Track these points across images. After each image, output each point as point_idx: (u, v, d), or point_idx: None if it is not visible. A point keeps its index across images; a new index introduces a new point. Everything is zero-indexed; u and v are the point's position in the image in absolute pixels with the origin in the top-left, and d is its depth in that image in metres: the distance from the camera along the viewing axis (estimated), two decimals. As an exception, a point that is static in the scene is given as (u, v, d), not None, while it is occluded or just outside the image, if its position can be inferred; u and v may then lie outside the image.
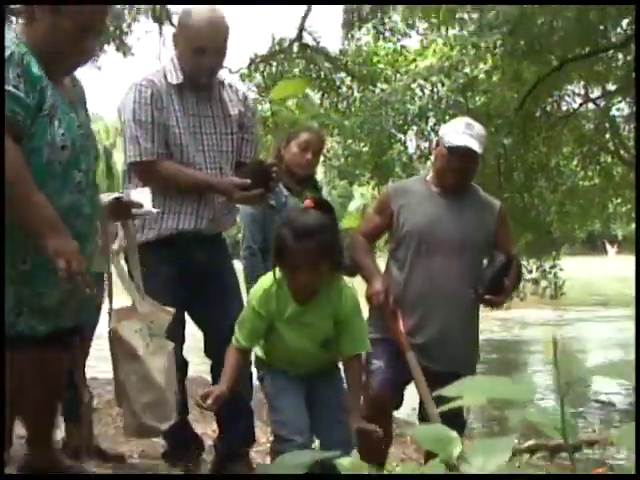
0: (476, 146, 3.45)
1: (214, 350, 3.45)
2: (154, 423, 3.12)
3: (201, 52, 3.33)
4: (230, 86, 3.63)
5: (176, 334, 3.39)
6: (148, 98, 3.35)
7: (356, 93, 14.48)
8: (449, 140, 3.49)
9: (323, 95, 14.81)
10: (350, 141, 11.73)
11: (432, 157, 3.85)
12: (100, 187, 3.79)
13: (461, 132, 3.49)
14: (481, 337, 3.78)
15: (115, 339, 3.10)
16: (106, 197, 3.12)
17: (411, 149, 11.92)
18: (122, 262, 3.36)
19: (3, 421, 2.83)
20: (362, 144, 11.49)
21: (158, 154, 3.37)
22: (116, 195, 3.16)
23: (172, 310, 3.29)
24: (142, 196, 3.32)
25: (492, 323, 14.20)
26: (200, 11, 3.37)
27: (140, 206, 3.18)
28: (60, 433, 3.77)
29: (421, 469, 0.83)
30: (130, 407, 3.09)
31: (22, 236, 2.59)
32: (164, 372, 3.12)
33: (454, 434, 0.90)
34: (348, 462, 0.87)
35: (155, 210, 3.31)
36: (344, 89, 14.81)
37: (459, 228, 3.53)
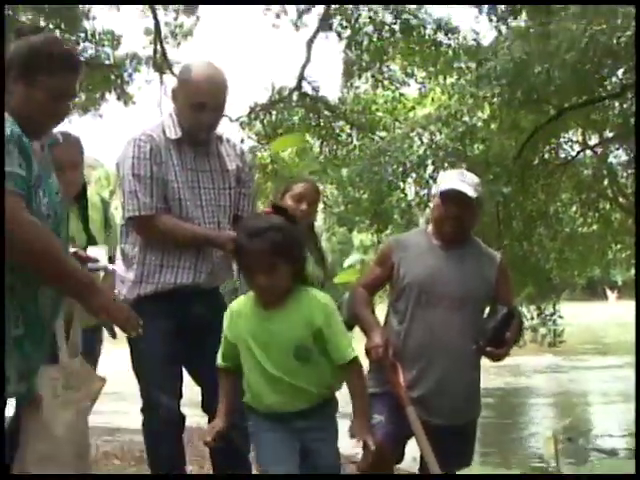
0: (468, 190, 3.45)
1: (211, 406, 3.42)
2: (41, 473, 3.05)
3: (200, 108, 3.36)
4: (228, 141, 3.65)
5: (173, 388, 3.44)
6: (147, 153, 3.36)
7: (355, 141, 14.59)
8: (442, 187, 3.52)
9: (322, 143, 14.91)
10: (349, 189, 11.77)
11: (430, 209, 3.86)
12: (98, 238, 3.81)
13: (454, 179, 3.52)
14: (487, 385, 3.75)
15: None
16: None
17: (410, 196, 11.95)
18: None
19: (3, 421, 2.79)
20: (361, 191, 11.53)
21: (157, 208, 3.37)
22: (72, 250, 3.16)
23: (104, 378, 3.32)
24: (98, 251, 3.40)
25: (489, 371, 14.11)
26: (200, 67, 3.39)
27: (96, 261, 3.24)
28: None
29: None
30: (22, 451, 2.99)
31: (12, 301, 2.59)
32: (67, 427, 3.04)
33: None
34: None
35: (110, 267, 3.43)
36: (343, 137, 14.91)
37: (459, 280, 3.52)
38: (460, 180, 3.50)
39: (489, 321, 3.49)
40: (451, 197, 3.46)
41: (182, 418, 3.52)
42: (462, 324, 3.48)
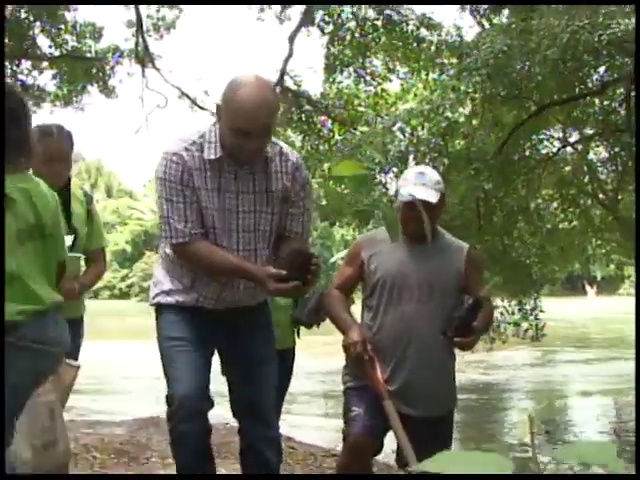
0: (430, 196, 3.48)
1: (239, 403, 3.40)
2: None
3: (247, 135, 3.04)
4: (281, 154, 3.29)
5: (198, 380, 3.25)
6: (178, 178, 3.12)
7: (337, 136, 14.61)
8: (402, 194, 3.54)
9: (304, 138, 14.92)
10: (331, 183, 11.79)
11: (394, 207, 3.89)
12: (81, 230, 3.82)
13: (412, 183, 3.53)
14: (460, 379, 3.79)
15: None
16: None
17: (391, 191, 12.00)
18: None
19: (3, 421, 2.79)
20: (343, 186, 11.55)
21: (191, 235, 3.15)
22: None
23: (77, 365, 3.33)
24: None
25: (472, 365, 14.20)
26: (247, 87, 3.02)
27: None
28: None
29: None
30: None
31: None
32: (24, 419, 3.04)
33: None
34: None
35: (69, 255, 3.44)
36: (325, 131, 14.93)
37: (429, 273, 3.57)
38: (421, 184, 3.51)
39: (456, 311, 3.53)
40: (412, 205, 3.49)
41: (208, 408, 3.32)
42: (434, 316, 3.53)
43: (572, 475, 0.98)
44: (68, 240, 3.52)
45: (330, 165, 12.12)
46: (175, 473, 3.45)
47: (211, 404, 3.28)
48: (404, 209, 3.55)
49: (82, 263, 3.95)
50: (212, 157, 3.12)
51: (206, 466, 3.37)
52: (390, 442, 3.69)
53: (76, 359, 3.65)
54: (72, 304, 3.75)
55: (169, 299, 3.31)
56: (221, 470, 5.10)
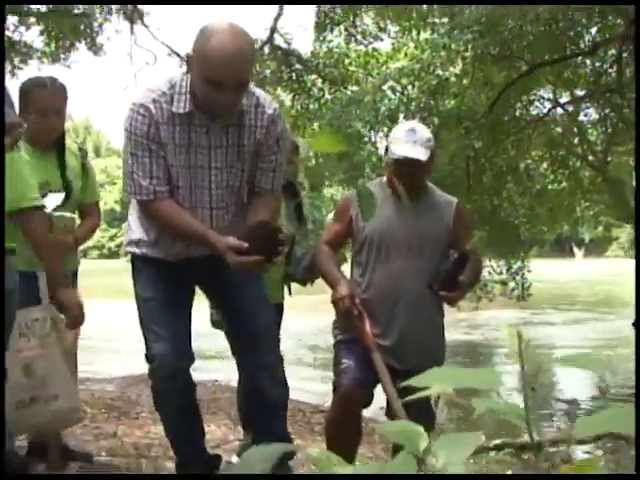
0: (420, 154, 3.47)
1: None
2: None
3: (219, 86, 2.85)
4: (258, 106, 3.08)
5: (178, 336, 3.19)
6: (144, 131, 2.96)
7: (327, 95, 14.53)
8: (392, 151, 3.53)
9: (294, 97, 14.84)
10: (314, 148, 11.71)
11: (384, 162, 3.88)
12: (75, 185, 3.81)
13: (404, 141, 3.50)
14: (448, 338, 3.82)
15: None
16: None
17: (381, 150, 11.99)
18: None
19: (3, 421, 2.80)
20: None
21: (155, 193, 3.02)
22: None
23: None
24: (51, 199, 3.40)
25: (459, 324, 14.31)
26: (220, 35, 2.83)
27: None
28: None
29: (388, 464, 0.85)
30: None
31: None
32: (23, 374, 3.11)
33: (420, 428, 0.93)
34: (317, 452, 0.89)
35: (57, 214, 3.46)
36: (315, 91, 14.85)
37: (417, 229, 3.57)
38: (412, 142, 3.49)
39: (442, 265, 3.55)
40: (403, 163, 3.49)
41: (189, 364, 3.25)
42: (423, 272, 3.54)
43: (572, 475, 1.00)
44: (59, 198, 3.51)
45: (319, 124, 12.06)
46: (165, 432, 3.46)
47: (191, 359, 3.21)
48: (394, 166, 3.55)
49: (76, 218, 3.93)
50: (181, 111, 2.95)
51: (191, 422, 3.34)
52: (378, 399, 3.73)
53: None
54: (68, 258, 3.76)
55: (137, 251, 3.26)
56: (210, 426, 5.15)
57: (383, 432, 0.93)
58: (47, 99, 3.64)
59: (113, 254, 59.25)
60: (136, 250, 3.26)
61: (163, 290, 3.17)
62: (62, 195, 3.56)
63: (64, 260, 3.72)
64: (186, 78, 2.97)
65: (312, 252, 4.30)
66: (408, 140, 3.50)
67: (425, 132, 3.59)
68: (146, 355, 3.20)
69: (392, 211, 3.59)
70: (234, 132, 3.05)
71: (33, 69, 15.60)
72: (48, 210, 3.33)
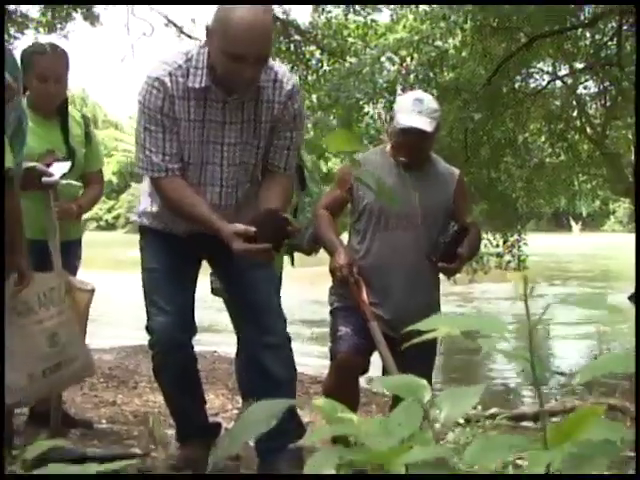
0: (426, 124, 3.46)
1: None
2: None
3: (239, 60, 2.77)
4: (275, 81, 2.99)
5: (179, 306, 3.15)
6: (158, 106, 2.90)
7: (326, 66, 14.45)
8: (399, 120, 3.51)
9: (293, 68, 14.76)
10: (319, 113, 11.72)
11: (389, 130, 3.87)
12: (78, 153, 3.81)
13: (410, 110, 3.49)
14: (443, 310, 3.84)
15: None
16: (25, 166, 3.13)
17: (379, 122, 11.95)
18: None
19: (3, 422, 2.81)
20: (331, 116, 11.48)
21: (167, 170, 2.96)
22: (31, 164, 3.14)
23: (91, 287, 3.36)
24: (58, 168, 3.39)
25: (453, 297, 14.34)
26: (244, 8, 2.78)
27: (50, 175, 3.24)
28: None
29: (393, 413, 0.86)
30: (11, 360, 2.93)
31: None
32: (19, 348, 3.07)
33: (423, 381, 0.94)
34: (322, 401, 0.90)
35: (64, 182, 3.41)
36: (314, 62, 14.77)
37: (418, 200, 3.57)
38: (418, 112, 3.48)
39: (441, 237, 3.55)
40: (408, 133, 3.48)
41: (190, 337, 3.22)
42: (421, 243, 3.55)
43: (572, 475, 1.01)
44: (65, 166, 3.50)
45: (318, 95, 11.99)
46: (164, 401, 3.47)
47: (193, 332, 3.18)
48: (399, 135, 3.54)
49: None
50: (197, 85, 2.89)
51: (191, 392, 3.32)
52: (374, 370, 3.75)
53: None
54: (71, 226, 3.77)
55: (146, 222, 3.23)
56: (209, 396, 5.18)
57: (386, 387, 0.94)
58: (48, 65, 3.63)
59: (110, 226, 59.23)
60: (145, 221, 3.23)
61: (169, 262, 3.15)
62: (68, 164, 3.55)
63: (70, 228, 3.74)
64: (203, 51, 2.90)
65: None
66: (414, 110, 3.49)
67: (432, 102, 3.58)
68: (147, 327, 3.18)
69: (394, 180, 3.58)
70: (250, 107, 2.97)
71: (29, 39, 15.48)
72: (55, 178, 3.33)
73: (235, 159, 3.01)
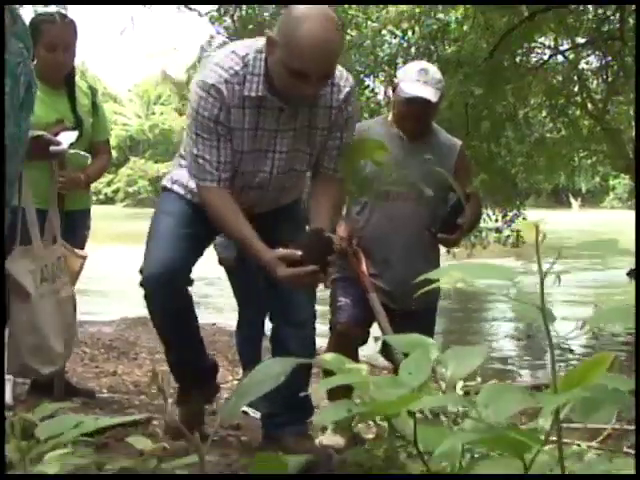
0: (431, 94, 3.45)
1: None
2: (36, 366, 3.17)
3: (302, 77, 2.63)
4: (333, 85, 2.84)
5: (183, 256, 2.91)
6: (214, 114, 2.74)
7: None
8: (404, 89, 3.49)
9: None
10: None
11: (391, 99, 3.85)
12: (85, 123, 3.81)
13: (415, 80, 3.47)
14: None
15: (7, 276, 3.02)
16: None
17: (380, 96, 11.90)
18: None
19: (3, 422, 2.83)
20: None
21: (219, 181, 2.80)
22: (38, 133, 3.13)
23: (84, 255, 3.39)
24: (66, 137, 3.38)
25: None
26: (312, 23, 2.57)
27: (58, 144, 3.23)
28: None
29: (403, 367, 0.86)
30: (16, 345, 3.10)
31: None
32: (50, 318, 3.15)
33: (429, 339, 0.95)
34: (330, 356, 0.90)
35: (72, 151, 3.41)
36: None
37: (419, 171, 3.55)
38: (423, 82, 3.46)
39: (441, 208, 3.55)
40: (412, 102, 3.47)
41: (185, 285, 2.95)
42: (422, 215, 3.55)
43: (572, 475, 1.01)
44: (73, 136, 3.49)
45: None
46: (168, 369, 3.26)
47: (188, 281, 2.92)
48: (403, 105, 3.52)
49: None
50: (253, 94, 2.73)
51: (189, 333, 3.04)
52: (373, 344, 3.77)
53: (82, 249, 3.69)
54: (80, 196, 3.78)
55: (177, 189, 3.03)
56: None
57: (393, 344, 0.95)
58: (57, 34, 3.62)
59: (109, 200, 59.06)
60: (178, 189, 3.03)
61: (187, 220, 2.95)
62: (76, 133, 3.54)
63: (78, 198, 3.76)
64: (260, 57, 2.74)
65: None
66: (420, 79, 3.47)
67: (437, 73, 3.56)
68: (141, 268, 2.90)
69: (395, 151, 3.55)
70: (305, 114, 2.84)
71: (27, 10, 15.37)
72: (63, 147, 3.32)
73: (285, 167, 2.90)
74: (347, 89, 2.86)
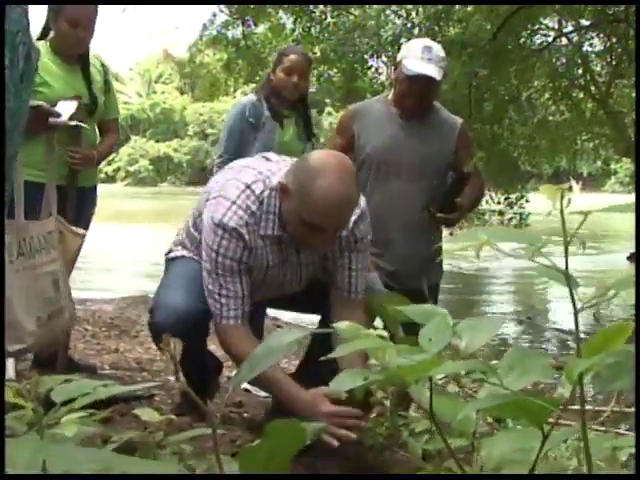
0: (435, 72, 3.39)
1: None
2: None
3: (316, 229, 2.54)
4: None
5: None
6: (238, 256, 2.63)
7: (329, 19, 14.30)
8: (407, 66, 3.43)
9: (296, 20, 14.60)
10: (323, 67, 11.61)
11: (392, 76, 3.80)
12: (99, 100, 3.79)
13: (419, 57, 3.42)
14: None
15: None
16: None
17: (383, 77, 11.85)
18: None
19: (3, 423, 2.81)
20: (335, 70, 11.39)
21: (240, 318, 2.65)
22: (36, 103, 3.06)
23: (83, 233, 3.32)
24: (65, 107, 3.32)
25: (453, 254, 14.37)
26: (329, 178, 2.47)
27: (58, 115, 3.19)
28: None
29: (424, 332, 0.85)
30: None
31: None
32: (23, 294, 2.99)
33: (444, 310, 0.94)
34: (345, 324, 0.90)
35: (72, 123, 3.34)
36: (317, 14, 14.61)
37: (419, 151, 3.51)
38: (427, 59, 3.41)
39: (440, 187, 3.51)
40: (416, 80, 3.44)
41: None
42: (421, 194, 3.50)
43: (572, 475, 1.00)
44: (72, 106, 3.44)
45: (321, 47, 11.88)
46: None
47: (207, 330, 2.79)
48: (405, 82, 3.47)
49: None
50: (269, 232, 2.64)
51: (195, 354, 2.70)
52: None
53: (87, 227, 3.66)
54: (87, 173, 3.77)
55: (182, 252, 2.93)
56: (211, 346, 5.22)
57: (406, 313, 0.94)
58: (80, 10, 3.60)
59: (110, 179, 59.05)
60: (186, 254, 2.90)
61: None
62: (75, 104, 3.50)
63: (87, 175, 3.74)
64: (274, 194, 2.62)
65: None
66: (424, 57, 3.42)
67: (440, 50, 3.50)
68: (154, 305, 2.77)
69: (396, 131, 3.53)
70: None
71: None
72: (63, 119, 3.27)
73: (304, 285, 2.85)
74: (354, 216, 2.73)
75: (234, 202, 2.62)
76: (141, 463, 0.82)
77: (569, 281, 0.78)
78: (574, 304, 0.80)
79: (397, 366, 0.75)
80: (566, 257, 0.80)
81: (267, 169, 2.68)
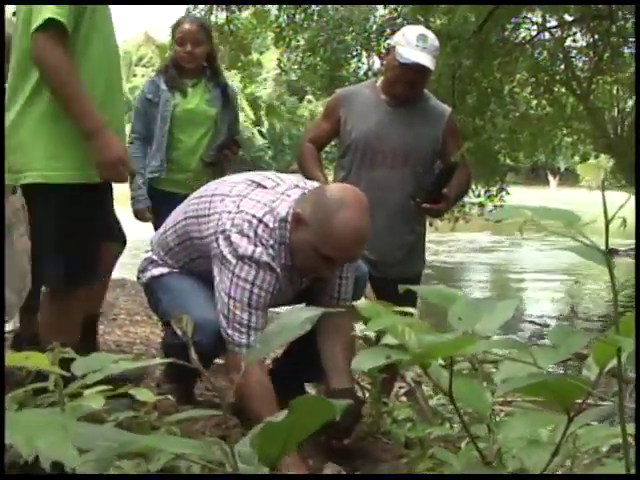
0: (429, 61, 3.37)
1: None
2: None
3: (328, 261, 2.57)
4: None
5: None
6: (271, 288, 2.62)
7: (314, 6, 14.25)
8: (401, 54, 3.39)
9: (280, 7, 14.54)
10: (308, 54, 11.57)
11: (384, 62, 3.78)
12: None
13: (414, 45, 3.38)
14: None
15: None
16: None
17: (367, 66, 11.85)
18: None
19: (3, 425, 2.76)
20: (318, 58, 11.35)
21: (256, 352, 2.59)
22: None
23: None
24: None
25: (432, 247, 14.44)
26: (348, 213, 2.49)
27: None
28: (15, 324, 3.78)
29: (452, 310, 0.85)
30: None
31: None
32: (9, 264, 3.08)
33: (459, 292, 0.94)
34: (363, 302, 0.90)
35: None
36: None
37: (405, 138, 3.49)
38: (422, 48, 3.38)
39: (427, 177, 3.49)
40: (410, 68, 3.41)
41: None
42: (406, 183, 3.48)
43: (572, 475, 1.00)
44: None
45: (307, 36, 11.83)
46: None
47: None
48: (398, 69, 3.44)
49: None
50: (283, 261, 2.64)
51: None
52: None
53: None
54: None
55: (161, 271, 2.93)
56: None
57: (422, 295, 0.94)
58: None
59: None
60: (166, 270, 2.89)
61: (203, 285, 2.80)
62: None
63: None
64: (283, 226, 2.63)
65: (224, 137, 4.17)
66: (419, 45, 3.40)
67: (435, 40, 3.47)
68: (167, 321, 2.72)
69: (382, 117, 3.49)
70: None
71: None
72: None
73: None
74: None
75: (255, 236, 2.61)
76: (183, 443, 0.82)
77: (608, 261, 0.78)
78: (613, 284, 0.80)
79: (429, 344, 0.74)
80: (606, 238, 0.80)
81: (269, 200, 2.67)
